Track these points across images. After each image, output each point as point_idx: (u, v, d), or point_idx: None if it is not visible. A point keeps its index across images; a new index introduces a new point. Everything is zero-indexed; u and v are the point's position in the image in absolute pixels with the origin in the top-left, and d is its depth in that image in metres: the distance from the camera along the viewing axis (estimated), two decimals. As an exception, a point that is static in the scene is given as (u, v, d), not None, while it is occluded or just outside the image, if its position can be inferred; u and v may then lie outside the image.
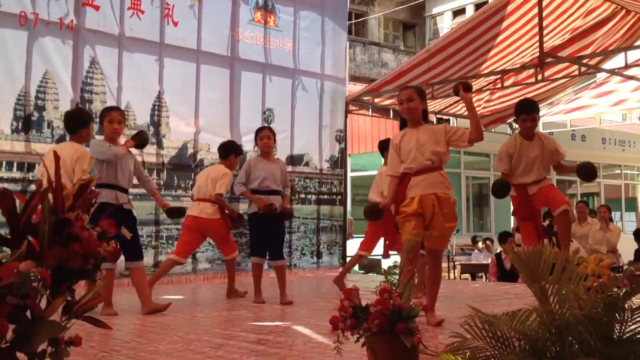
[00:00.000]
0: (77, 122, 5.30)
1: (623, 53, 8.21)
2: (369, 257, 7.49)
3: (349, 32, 12.94)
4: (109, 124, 5.16)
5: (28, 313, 1.87)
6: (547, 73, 9.26)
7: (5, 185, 6.44)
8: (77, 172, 4.95)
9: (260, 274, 6.11)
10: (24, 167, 6.94)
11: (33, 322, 1.86)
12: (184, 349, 3.74)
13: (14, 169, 6.90)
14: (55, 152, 2.35)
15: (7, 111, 6.91)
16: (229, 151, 6.51)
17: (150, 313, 5.16)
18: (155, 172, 8.03)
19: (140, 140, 5.41)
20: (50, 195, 2.04)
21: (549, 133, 12.80)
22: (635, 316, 2.11)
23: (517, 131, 12.82)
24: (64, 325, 1.98)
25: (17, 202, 2.03)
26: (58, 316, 2.00)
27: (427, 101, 4.95)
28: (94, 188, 2.39)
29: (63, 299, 2.00)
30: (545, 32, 7.80)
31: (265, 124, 8.70)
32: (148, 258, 7.86)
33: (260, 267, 6.12)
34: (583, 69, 8.70)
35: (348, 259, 10.61)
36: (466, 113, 11.49)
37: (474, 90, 10.33)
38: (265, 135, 6.09)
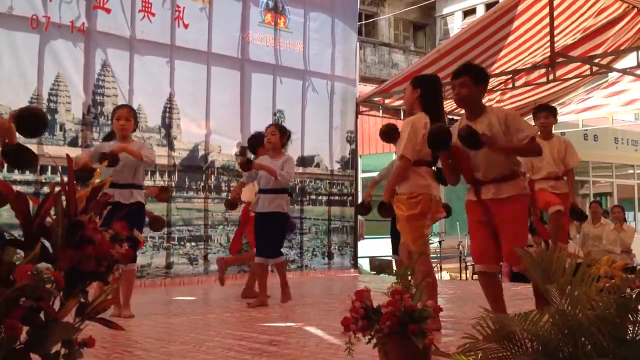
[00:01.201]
0: None
1: (635, 52, 8.16)
2: (381, 258, 7.50)
3: (359, 33, 12.93)
4: (117, 121, 5.18)
5: (42, 315, 1.88)
6: (558, 73, 9.22)
7: (19, 187, 6.48)
8: None
9: (262, 274, 5.87)
10: (37, 170, 6.98)
11: (47, 323, 1.88)
12: (195, 349, 3.75)
13: (27, 171, 6.94)
14: (68, 155, 2.36)
15: (19, 114, 6.96)
16: None
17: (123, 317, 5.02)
18: (166, 173, 8.07)
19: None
20: (63, 198, 2.06)
21: (561, 133, 12.77)
22: (649, 317, 2.10)
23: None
24: (77, 326, 1.99)
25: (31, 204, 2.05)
26: (71, 318, 2.01)
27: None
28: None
29: (76, 301, 2.01)
30: (556, 31, 7.77)
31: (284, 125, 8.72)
32: (160, 260, 7.93)
33: (261, 267, 5.86)
34: (595, 68, 8.65)
35: (359, 260, 10.62)
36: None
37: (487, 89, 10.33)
38: (269, 132, 5.90)
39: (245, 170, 5.84)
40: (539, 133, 6.16)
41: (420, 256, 4.20)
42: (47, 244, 2.04)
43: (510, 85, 9.92)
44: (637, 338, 2.06)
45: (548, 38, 7.67)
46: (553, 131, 6.35)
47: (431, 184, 4.30)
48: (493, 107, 4.28)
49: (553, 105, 7.39)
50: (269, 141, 5.89)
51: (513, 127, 3.92)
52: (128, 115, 5.19)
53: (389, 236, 6.89)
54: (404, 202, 4.28)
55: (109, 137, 5.43)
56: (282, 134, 5.92)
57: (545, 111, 6.28)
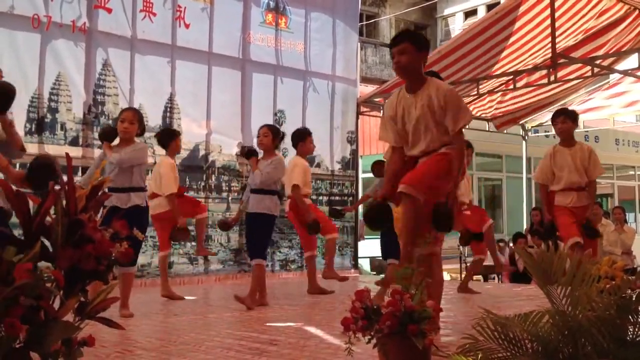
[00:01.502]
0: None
1: (636, 54, 8.15)
2: (381, 258, 7.50)
3: (360, 34, 12.90)
4: (120, 123, 5.15)
5: (42, 314, 1.88)
6: (559, 74, 9.20)
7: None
8: None
9: (260, 275, 5.73)
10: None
11: (46, 322, 1.87)
12: (195, 349, 3.75)
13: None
14: (67, 154, 2.35)
15: (20, 113, 6.96)
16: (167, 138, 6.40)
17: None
18: (167, 173, 8.05)
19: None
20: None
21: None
22: (649, 318, 2.10)
23: (529, 132, 12.73)
24: (77, 325, 1.99)
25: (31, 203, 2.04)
26: (71, 317, 2.01)
27: None
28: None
29: (76, 300, 2.01)
30: (557, 33, 7.76)
31: (277, 126, 8.72)
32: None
33: (260, 268, 5.71)
34: (596, 69, 8.64)
35: (359, 260, 10.61)
36: (479, 114, 11.51)
37: (486, 91, 10.34)
38: (261, 133, 5.85)
39: (244, 157, 5.86)
40: (557, 145, 5.88)
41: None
42: (47, 242, 2.04)
43: (511, 87, 9.91)
44: (637, 339, 2.06)
45: (549, 39, 7.66)
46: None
47: None
48: (434, 79, 3.93)
49: (551, 105, 7.06)
50: (260, 142, 5.87)
51: (450, 109, 3.71)
52: (132, 119, 5.13)
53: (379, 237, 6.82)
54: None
55: (105, 135, 5.36)
56: (274, 135, 5.86)
57: (563, 115, 5.83)
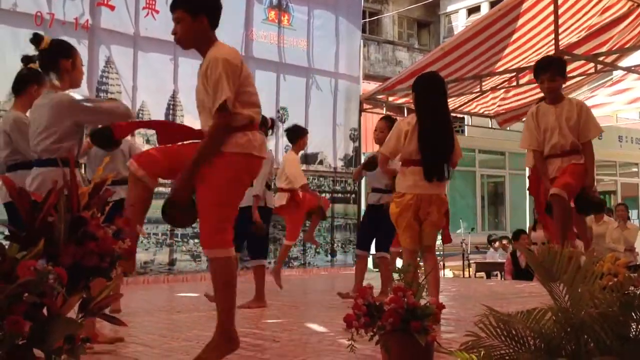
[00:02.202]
0: None
1: (639, 50, 8.14)
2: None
3: (363, 31, 12.91)
4: None
5: (45, 310, 1.88)
6: (562, 71, 9.17)
7: (22, 184, 6.48)
8: None
9: (256, 276, 5.65)
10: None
11: (49, 319, 1.88)
12: (198, 346, 3.75)
13: (31, 168, 6.94)
14: (70, 152, 2.35)
15: (23, 111, 6.98)
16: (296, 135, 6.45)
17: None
18: (170, 170, 8.07)
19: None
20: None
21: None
22: (652, 315, 2.09)
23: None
24: (80, 322, 1.99)
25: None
26: (74, 314, 2.02)
27: None
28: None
29: (79, 297, 2.01)
30: (560, 29, 7.74)
31: (280, 123, 8.73)
32: (163, 256, 7.94)
33: (261, 269, 5.66)
34: (599, 66, 8.63)
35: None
36: (481, 111, 11.49)
37: (489, 88, 10.33)
38: None
39: None
40: (541, 102, 4.95)
41: (410, 253, 4.32)
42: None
43: (514, 83, 9.90)
44: (640, 336, 2.05)
45: (552, 36, 7.65)
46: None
47: (417, 184, 4.25)
48: (220, 44, 3.23)
49: (557, 57, 5.66)
50: None
51: (210, 83, 2.97)
52: None
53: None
54: (394, 200, 4.42)
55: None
56: (267, 127, 5.61)
57: (550, 71, 4.56)
